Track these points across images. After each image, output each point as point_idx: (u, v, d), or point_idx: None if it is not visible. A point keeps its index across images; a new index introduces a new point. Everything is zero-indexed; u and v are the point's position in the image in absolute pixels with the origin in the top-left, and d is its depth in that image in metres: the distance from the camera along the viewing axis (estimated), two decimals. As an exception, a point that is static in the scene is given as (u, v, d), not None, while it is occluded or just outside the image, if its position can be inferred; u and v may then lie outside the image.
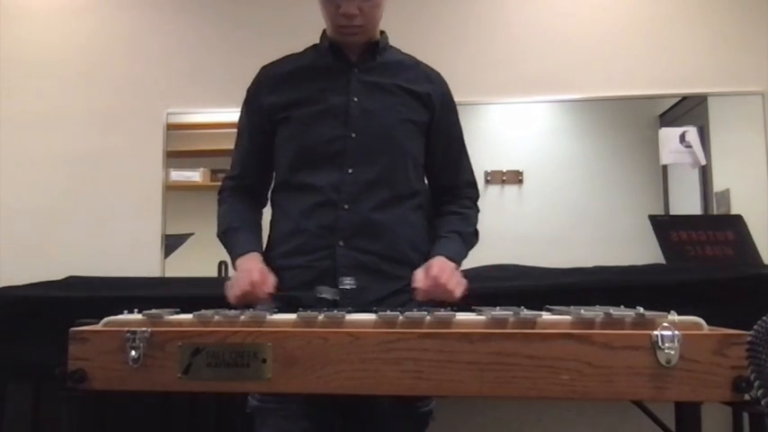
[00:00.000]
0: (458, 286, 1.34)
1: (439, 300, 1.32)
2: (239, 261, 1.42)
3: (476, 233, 1.55)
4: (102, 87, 3.04)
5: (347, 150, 1.43)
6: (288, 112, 1.47)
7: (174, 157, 3.00)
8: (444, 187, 1.57)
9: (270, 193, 1.56)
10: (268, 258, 1.48)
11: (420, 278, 1.34)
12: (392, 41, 1.58)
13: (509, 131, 2.91)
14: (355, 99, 1.46)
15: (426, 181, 1.57)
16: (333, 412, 1.37)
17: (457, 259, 1.43)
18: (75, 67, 3.06)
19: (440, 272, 1.33)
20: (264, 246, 1.51)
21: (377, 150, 1.44)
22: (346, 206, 1.41)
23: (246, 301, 1.33)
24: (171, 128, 3.01)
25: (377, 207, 1.42)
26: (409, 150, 1.48)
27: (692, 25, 2.84)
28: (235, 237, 1.48)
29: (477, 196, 1.60)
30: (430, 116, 1.50)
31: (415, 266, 1.41)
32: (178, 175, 2.99)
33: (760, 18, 2.79)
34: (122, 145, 2.99)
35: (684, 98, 2.83)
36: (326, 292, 1.36)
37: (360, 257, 1.40)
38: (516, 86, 2.88)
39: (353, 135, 1.43)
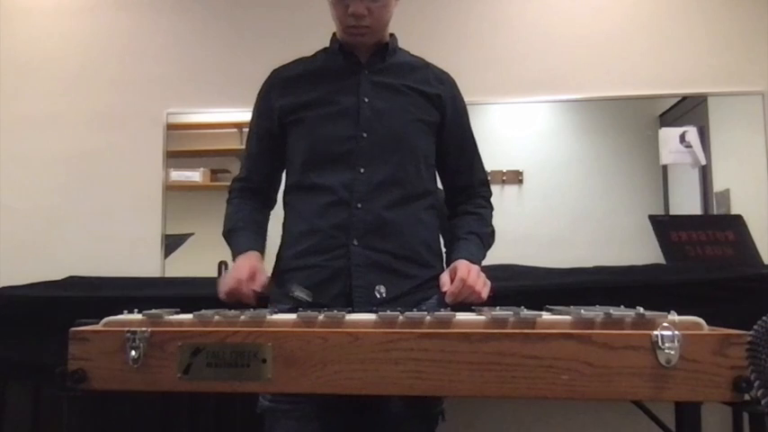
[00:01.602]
0: (484, 287, 1.35)
1: (468, 302, 1.32)
2: (236, 259, 1.43)
3: (492, 233, 1.55)
4: (102, 87, 3.04)
5: (359, 150, 1.44)
6: (299, 114, 1.48)
7: (174, 157, 3.00)
8: (459, 188, 1.58)
9: (282, 194, 1.56)
10: (282, 259, 1.49)
11: (447, 281, 1.35)
12: (393, 42, 1.58)
13: (509, 131, 2.91)
14: (366, 99, 1.46)
15: (439, 181, 1.58)
16: (345, 413, 1.37)
17: (477, 261, 1.43)
18: (75, 67, 3.06)
19: (466, 274, 1.33)
20: (279, 247, 1.52)
21: (388, 150, 1.44)
22: (359, 205, 1.41)
23: (234, 298, 1.34)
24: (171, 128, 3.01)
25: (389, 206, 1.43)
26: (420, 150, 1.48)
27: (691, 25, 2.84)
28: (237, 236, 1.50)
29: (490, 194, 1.61)
30: (441, 117, 1.51)
31: (428, 265, 1.43)
32: (178, 175, 2.99)
33: (760, 18, 2.79)
34: (122, 145, 2.99)
35: (684, 98, 2.83)
36: (300, 291, 1.34)
37: (373, 256, 1.40)
38: (516, 86, 2.88)
39: (365, 135, 1.44)
